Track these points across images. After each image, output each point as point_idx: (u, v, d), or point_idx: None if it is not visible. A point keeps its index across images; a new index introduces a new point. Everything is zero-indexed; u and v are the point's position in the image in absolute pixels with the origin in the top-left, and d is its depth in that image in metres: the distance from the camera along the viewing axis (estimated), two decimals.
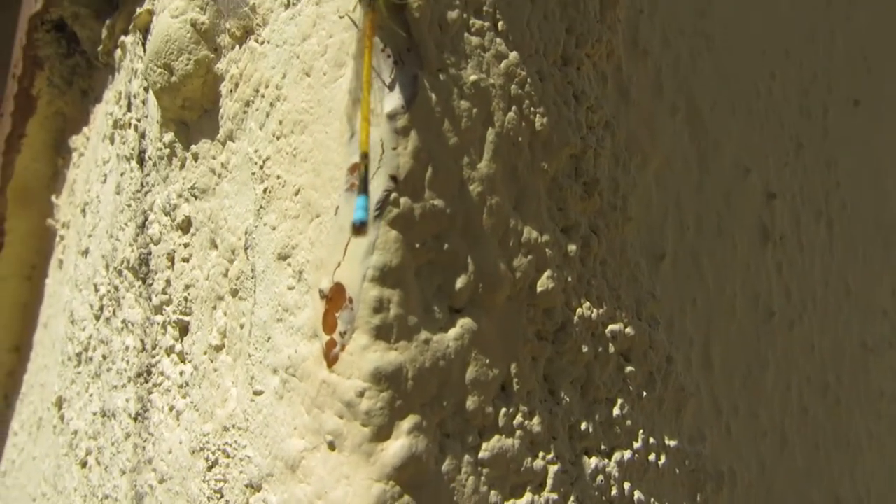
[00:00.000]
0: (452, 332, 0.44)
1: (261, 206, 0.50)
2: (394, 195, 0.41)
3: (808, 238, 0.82)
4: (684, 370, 0.60)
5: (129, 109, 0.76)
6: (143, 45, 0.68)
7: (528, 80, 0.48)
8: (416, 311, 0.42)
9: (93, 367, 0.80)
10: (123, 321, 0.72)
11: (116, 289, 0.74)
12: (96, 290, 0.80)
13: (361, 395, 0.41)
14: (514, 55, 0.47)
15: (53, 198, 1.19)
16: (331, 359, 0.42)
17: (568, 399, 0.50)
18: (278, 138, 0.48)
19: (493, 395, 0.45)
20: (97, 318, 0.80)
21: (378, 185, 0.41)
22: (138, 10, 0.65)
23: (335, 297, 0.42)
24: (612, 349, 0.53)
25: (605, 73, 0.55)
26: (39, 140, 1.20)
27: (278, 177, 0.48)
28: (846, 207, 0.91)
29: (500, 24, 0.47)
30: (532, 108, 0.48)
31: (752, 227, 0.72)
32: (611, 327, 0.53)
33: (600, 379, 0.52)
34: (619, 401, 0.53)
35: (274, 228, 0.48)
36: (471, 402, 0.44)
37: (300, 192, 0.46)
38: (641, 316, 0.56)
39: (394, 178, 0.41)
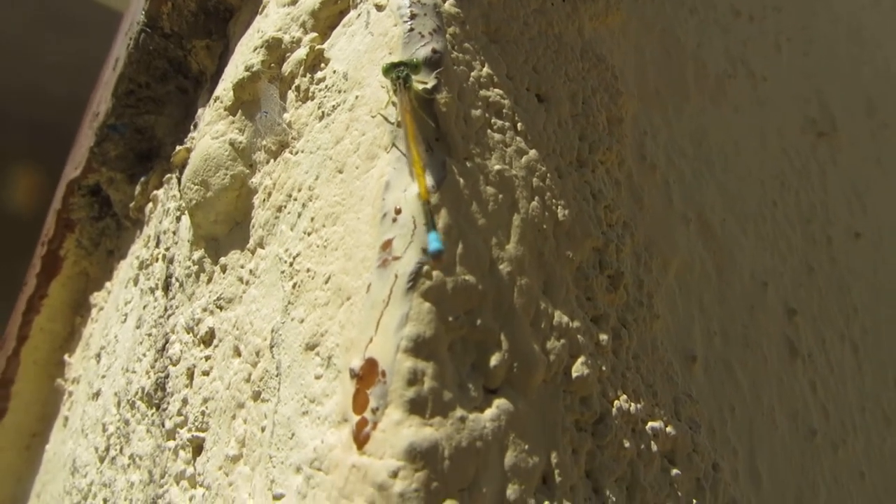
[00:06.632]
0: (489, 413, 0.42)
1: (289, 303, 0.50)
2: (426, 268, 0.42)
3: (835, 359, 0.80)
4: (732, 481, 0.56)
5: (157, 245, 0.79)
6: (179, 181, 0.72)
7: (548, 175, 0.51)
8: (451, 387, 0.41)
9: None
10: (131, 456, 0.68)
11: (127, 423, 0.71)
12: (104, 431, 0.77)
13: (395, 475, 0.38)
14: (533, 152, 0.50)
15: (66, 356, 1.18)
16: (361, 440, 0.40)
17: (614, 499, 0.46)
18: (309, 234, 0.50)
19: (534, 486, 0.42)
20: (102, 459, 0.76)
21: (410, 259, 0.42)
22: (178, 148, 0.70)
23: (367, 374, 0.41)
24: (654, 447, 0.50)
25: (619, 180, 0.58)
26: (60, 300, 1.21)
27: (308, 270, 0.49)
28: (868, 333, 0.90)
29: (519, 125, 0.51)
30: (554, 200, 0.50)
31: (778, 341, 0.71)
32: (651, 424, 0.50)
33: (646, 480, 0.48)
34: None
35: (302, 321, 0.48)
36: (511, 491, 0.41)
37: (330, 279, 0.46)
38: (680, 416, 0.54)
39: (426, 251, 0.42)
